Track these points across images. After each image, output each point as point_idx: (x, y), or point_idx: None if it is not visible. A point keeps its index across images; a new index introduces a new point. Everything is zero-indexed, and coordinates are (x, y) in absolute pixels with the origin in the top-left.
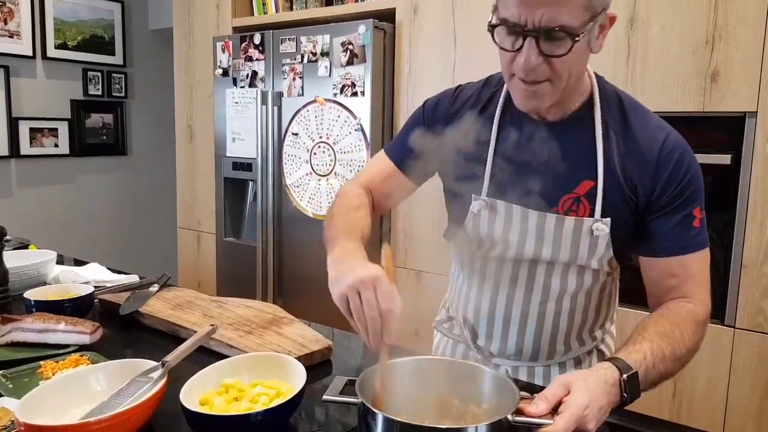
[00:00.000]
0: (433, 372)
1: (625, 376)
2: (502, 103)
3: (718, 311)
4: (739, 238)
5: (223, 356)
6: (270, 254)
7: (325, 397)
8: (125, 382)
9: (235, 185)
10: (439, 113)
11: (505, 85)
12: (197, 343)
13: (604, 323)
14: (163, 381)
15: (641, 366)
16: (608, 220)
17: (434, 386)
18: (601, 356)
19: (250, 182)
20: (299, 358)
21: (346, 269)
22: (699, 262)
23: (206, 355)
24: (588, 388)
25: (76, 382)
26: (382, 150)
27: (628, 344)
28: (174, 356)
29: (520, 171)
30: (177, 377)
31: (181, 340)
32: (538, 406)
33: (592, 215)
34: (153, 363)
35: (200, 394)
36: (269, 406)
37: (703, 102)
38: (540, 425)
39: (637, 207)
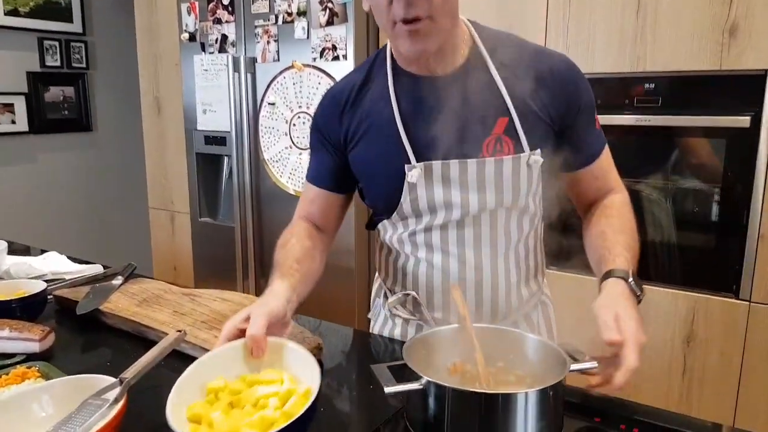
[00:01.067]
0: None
1: (631, 281)
2: (391, 74)
3: (732, 284)
4: (757, 205)
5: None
6: (249, 235)
7: (387, 389)
8: (75, 406)
9: (208, 161)
10: (329, 118)
11: (387, 57)
12: (162, 354)
13: (542, 268)
14: (122, 403)
15: (629, 265)
16: (539, 150)
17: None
18: (545, 308)
19: (225, 157)
20: None
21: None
22: (607, 155)
23: (179, 360)
24: (625, 311)
25: (14, 407)
26: (306, 180)
27: (606, 256)
28: (134, 372)
29: (434, 129)
30: (141, 389)
31: (150, 343)
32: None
33: (518, 151)
34: (109, 380)
35: (185, 408)
36: (297, 414)
37: (720, 59)
38: (590, 368)
39: (553, 129)
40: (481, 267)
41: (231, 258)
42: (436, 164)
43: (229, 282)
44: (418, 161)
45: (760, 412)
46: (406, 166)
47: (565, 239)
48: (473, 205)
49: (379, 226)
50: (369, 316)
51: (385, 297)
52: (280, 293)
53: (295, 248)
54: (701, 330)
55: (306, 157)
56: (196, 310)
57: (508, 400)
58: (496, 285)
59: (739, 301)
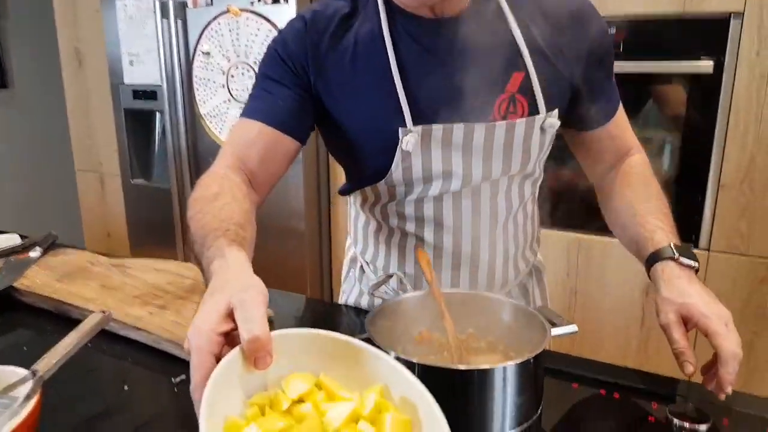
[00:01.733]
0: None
1: (680, 258)
2: (384, 10)
3: (691, 234)
4: (719, 154)
5: (130, 340)
6: (188, 197)
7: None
8: None
9: (138, 118)
10: (299, 47)
11: None
12: (83, 339)
13: (537, 233)
14: (34, 401)
15: (670, 236)
16: (556, 111)
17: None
18: (538, 273)
19: (157, 113)
20: None
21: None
22: (622, 113)
23: (109, 341)
24: (701, 298)
25: None
26: (241, 118)
27: (642, 234)
28: (49, 363)
29: (439, 83)
30: (63, 379)
31: (75, 323)
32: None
33: (533, 113)
34: (18, 372)
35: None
36: None
37: (683, 2)
38: (572, 333)
39: (572, 83)
40: (479, 241)
41: (169, 223)
42: (437, 128)
43: (168, 249)
44: (415, 124)
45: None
46: (400, 129)
47: (554, 195)
48: (476, 175)
49: (357, 192)
50: (342, 289)
51: (362, 270)
52: (247, 266)
53: (233, 209)
54: None
55: None
56: (127, 284)
57: (485, 375)
58: (494, 260)
59: (698, 251)
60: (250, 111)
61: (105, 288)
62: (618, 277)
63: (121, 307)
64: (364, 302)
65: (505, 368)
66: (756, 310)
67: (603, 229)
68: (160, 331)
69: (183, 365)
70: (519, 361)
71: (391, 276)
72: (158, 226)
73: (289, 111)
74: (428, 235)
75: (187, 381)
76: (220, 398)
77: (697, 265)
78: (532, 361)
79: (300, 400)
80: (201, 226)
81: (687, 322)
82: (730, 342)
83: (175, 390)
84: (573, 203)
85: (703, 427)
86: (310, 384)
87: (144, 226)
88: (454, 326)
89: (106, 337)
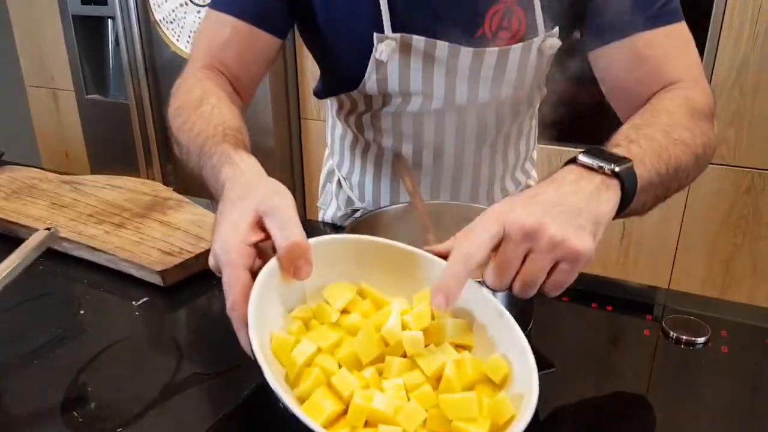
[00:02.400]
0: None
1: (580, 158)
2: None
3: None
4: (710, 58)
5: (85, 262)
6: (147, 112)
7: None
8: None
9: (88, 25)
10: None
11: None
12: (27, 260)
13: (532, 152)
14: None
15: (632, 147)
16: (557, 29)
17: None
18: None
19: (108, 20)
20: (198, 257)
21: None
22: (676, 36)
23: (60, 263)
24: (520, 204)
25: None
26: (211, 10)
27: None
28: None
29: None
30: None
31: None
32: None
33: (530, 33)
34: None
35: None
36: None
37: None
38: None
39: None
40: (462, 159)
41: (129, 141)
42: (418, 40)
43: (131, 170)
44: (394, 31)
45: (695, 276)
46: (375, 35)
47: (558, 107)
48: (460, 97)
49: (333, 98)
50: (318, 204)
51: (339, 185)
52: (262, 170)
53: (224, 113)
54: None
55: None
56: (80, 201)
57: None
58: (478, 180)
59: None
60: (220, 3)
61: (55, 206)
62: None
63: (73, 226)
64: (342, 217)
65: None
66: (737, 221)
67: (586, 141)
68: (117, 250)
69: (144, 288)
70: None
71: (355, 211)
72: (119, 146)
73: (265, 1)
74: (406, 150)
75: (150, 302)
76: (261, 314)
77: (608, 167)
78: None
79: (344, 311)
80: (195, 135)
81: None
82: (457, 247)
83: (137, 314)
84: (554, 113)
85: (701, 339)
86: (353, 293)
87: (104, 146)
88: (439, 240)
89: (58, 258)
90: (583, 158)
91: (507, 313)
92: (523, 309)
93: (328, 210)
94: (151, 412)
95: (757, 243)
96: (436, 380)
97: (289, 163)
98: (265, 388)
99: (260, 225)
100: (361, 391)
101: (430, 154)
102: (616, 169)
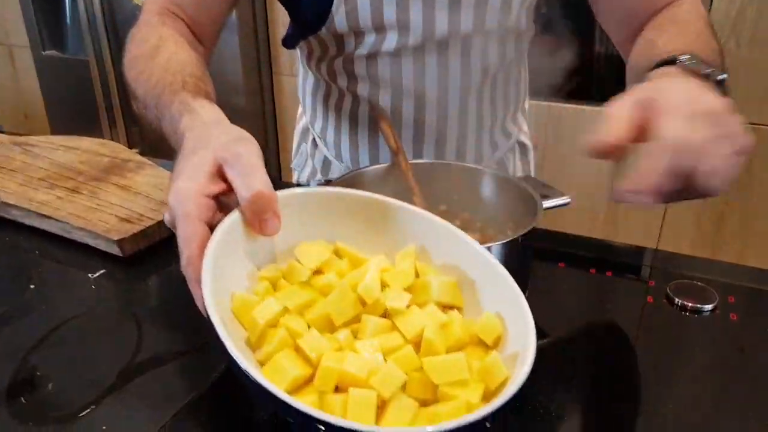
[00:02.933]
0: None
1: (683, 61)
2: None
3: None
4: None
5: (35, 230)
6: (109, 69)
7: None
8: None
9: None
10: None
11: None
12: None
13: (524, 102)
14: None
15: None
16: None
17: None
18: (523, 149)
19: None
20: (160, 224)
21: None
22: None
23: (9, 230)
24: (679, 93)
25: None
26: None
27: (654, 59)
28: None
29: None
30: None
31: None
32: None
33: None
34: None
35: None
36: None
37: None
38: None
39: None
40: (446, 108)
41: (91, 100)
42: None
43: (94, 132)
44: None
45: (684, 235)
46: None
47: (550, 57)
48: (440, 27)
49: (302, 43)
50: (292, 165)
51: (314, 144)
52: (225, 118)
53: (182, 59)
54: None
55: None
56: (31, 164)
57: None
58: (465, 131)
59: None
60: None
61: (3, 170)
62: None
63: (23, 192)
64: (317, 180)
65: (489, 249)
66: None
67: (575, 96)
68: (70, 218)
69: (101, 259)
70: (505, 240)
71: (332, 181)
72: (80, 105)
73: None
74: (384, 100)
75: (107, 275)
76: (221, 272)
77: (718, 73)
78: (520, 240)
79: (318, 272)
80: (151, 85)
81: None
82: (673, 123)
83: (93, 288)
84: (542, 66)
85: (708, 306)
86: (329, 253)
87: (64, 106)
88: (425, 202)
89: (5, 227)
90: (693, 65)
91: (501, 268)
92: (520, 278)
93: (303, 172)
94: (108, 398)
95: (748, 201)
96: (418, 345)
97: (261, 122)
98: (225, 356)
99: (221, 175)
100: (331, 353)
101: (410, 104)
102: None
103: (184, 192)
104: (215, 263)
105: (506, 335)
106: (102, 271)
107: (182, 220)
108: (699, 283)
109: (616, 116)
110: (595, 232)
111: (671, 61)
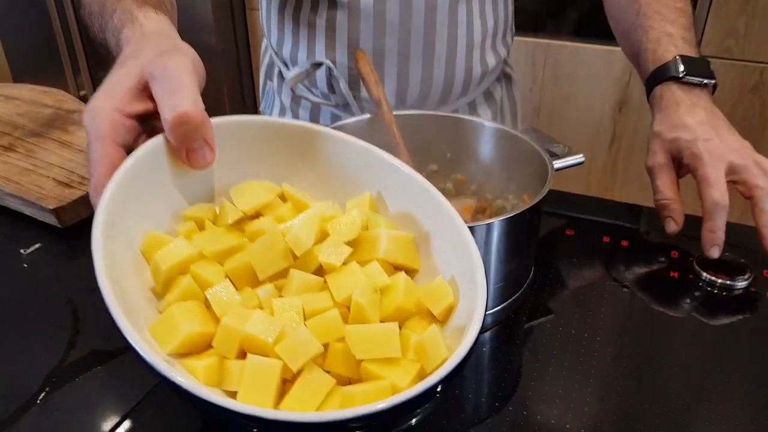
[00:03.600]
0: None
1: (687, 77)
2: None
3: None
4: None
5: None
6: (68, 4)
7: None
8: None
9: None
10: None
11: None
12: None
13: (512, 23)
14: None
15: (680, 43)
16: None
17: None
18: (508, 81)
19: None
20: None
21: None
22: None
23: None
24: (700, 132)
25: None
26: None
27: (645, 43)
28: None
29: None
30: None
31: None
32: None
33: None
34: None
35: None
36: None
37: None
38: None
39: None
40: (434, 17)
41: (52, 42)
42: None
43: (57, 79)
44: None
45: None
46: None
47: None
48: None
49: None
50: (261, 109)
51: (280, 77)
52: (172, 30)
53: None
54: (635, 94)
55: None
56: None
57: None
58: (454, 47)
59: None
60: None
61: None
62: (589, 90)
63: None
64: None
65: (490, 226)
66: (741, 121)
67: (574, 33)
68: (1, 182)
69: (37, 230)
70: (511, 214)
71: (318, 65)
72: (40, 49)
73: None
74: (365, 5)
75: (44, 250)
76: (133, 206)
77: (710, 82)
78: (527, 213)
79: (257, 215)
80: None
81: (679, 163)
82: (715, 189)
83: (25, 266)
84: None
85: (741, 282)
86: (272, 195)
87: (24, 50)
88: (412, 162)
89: None
90: (694, 79)
91: (464, 228)
92: (527, 255)
93: (272, 114)
94: (36, 405)
95: (761, 148)
96: (349, 309)
97: (234, 62)
98: None
99: (148, 93)
100: (237, 311)
101: (395, 10)
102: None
103: (98, 110)
104: (123, 191)
105: (459, 306)
106: (36, 246)
107: (94, 142)
108: (730, 255)
109: (659, 186)
110: (593, 183)
111: (672, 76)
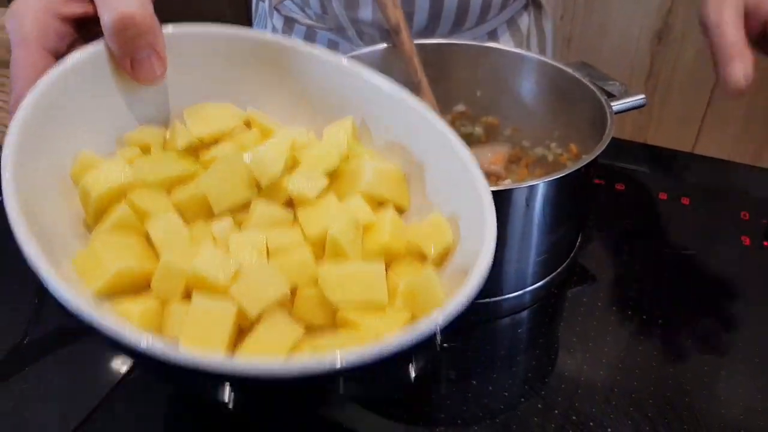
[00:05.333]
0: None
1: None
2: None
3: None
4: None
5: None
6: None
7: None
8: None
9: None
10: None
11: None
12: None
13: None
14: None
15: None
16: None
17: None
18: (538, 11)
19: None
20: None
21: None
22: None
23: None
24: None
25: None
26: None
27: None
28: None
29: None
30: None
31: None
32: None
33: None
34: None
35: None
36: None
37: None
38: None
39: None
40: None
41: None
42: None
43: None
44: None
45: (727, 132)
46: None
47: None
48: None
49: None
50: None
51: None
52: None
53: None
54: (678, 23)
55: None
56: None
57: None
58: None
59: None
60: None
61: None
62: (624, 19)
63: None
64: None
65: (533, 188)
66: None
67: None
68: None
69: None
70: (565, 172)
71: None
72: None
73: None
74: None
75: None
76: (64, 124)
77: None
78: (584, 169)
79: (215, 143)
80: None
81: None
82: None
83: None
84: None
85: None
86: (234, 120)
87: None
88: (437, 103)
89: None
90: None
91: (470, 160)
92: (577, 222)
93: None
94: None
95: None
96: (324, 248)
97: None
98: None
99: None
100: (182, 245)
101: None
102: None
103: (23, 10)
104: (49, 104)
105: (458, 248)
106: None
107: (16, 48)
108: None
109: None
110: (626, 123)
111: None
